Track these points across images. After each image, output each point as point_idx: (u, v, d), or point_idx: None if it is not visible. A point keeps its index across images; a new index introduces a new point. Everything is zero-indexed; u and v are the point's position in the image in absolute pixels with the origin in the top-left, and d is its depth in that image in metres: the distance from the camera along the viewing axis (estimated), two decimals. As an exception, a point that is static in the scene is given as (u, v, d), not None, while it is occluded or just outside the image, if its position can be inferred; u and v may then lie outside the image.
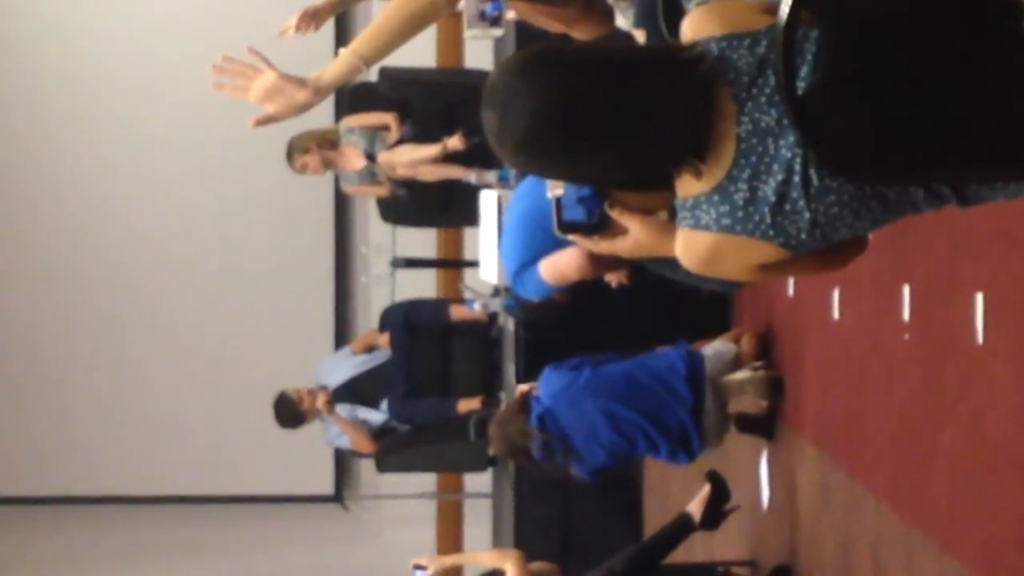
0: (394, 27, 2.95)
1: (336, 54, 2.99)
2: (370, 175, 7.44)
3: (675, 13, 2.80)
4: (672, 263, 2.23)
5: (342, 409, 7.67)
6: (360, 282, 9.21)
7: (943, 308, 4.14)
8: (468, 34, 6.49)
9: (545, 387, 5.25)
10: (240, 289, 9.32)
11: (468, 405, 7.52)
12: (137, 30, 9.21)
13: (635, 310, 5.93)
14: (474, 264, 6.92)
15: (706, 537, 5.67)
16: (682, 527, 5.31)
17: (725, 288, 5.63)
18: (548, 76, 2.08)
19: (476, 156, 6.89)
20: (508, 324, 6.72)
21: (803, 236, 2.10)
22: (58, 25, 9.21)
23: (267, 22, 8.96)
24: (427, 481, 9.17)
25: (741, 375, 5.58)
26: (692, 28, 2.16)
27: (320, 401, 7.57)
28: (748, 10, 2.12)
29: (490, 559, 5.47)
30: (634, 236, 2.31)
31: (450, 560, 5.88)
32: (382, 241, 8.41)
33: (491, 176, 6.56)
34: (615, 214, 2.30)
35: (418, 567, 5.41)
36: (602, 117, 2.06)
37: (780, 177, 2.07)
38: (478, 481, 9.11)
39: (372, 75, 7.27)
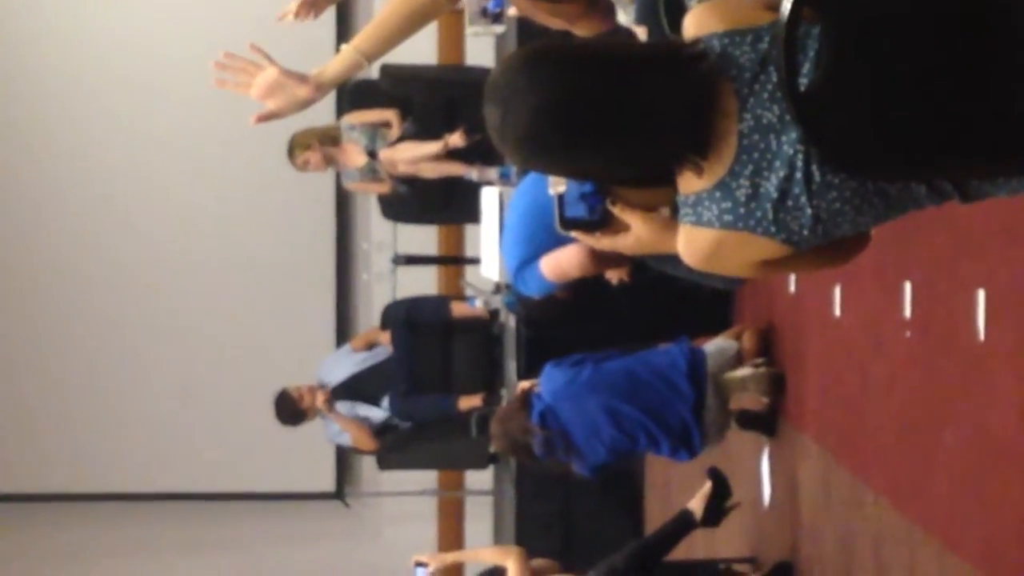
0: (396, 23, 2.94)
1: (337, 50, 2.98)
2: (371, 172, 7.43)
3: (676, 10, 2.80)
4: (674, 260, 2.23)
5: (343, 406, 7.67)
6: (361, 279, 9.21)
7: (944, 305, 4.14)
8: (470, 31, 6.50)
9: (546, 384, 5.25)
10: (241, 286, 9.33)
11: (469, 402, 7.52)
12: (138, 28, 9.21)
13: (636, 307, 5.94)
14: (475, 261, 6.92)
15: (707, 534, 5.67)
16: (683, 524, 5.31)
17: (727, 285, 5.63)
18: (550, 73, 2.08)
19: (477, 153, 6.89)
20: (509, 321, 6.72)
21: (805, 232, 2.10)
22: (59, 24, 9.21)
23: (268, 19, 8.96)
24: (428, 478, 9.17)
25: (742, 372, 5.58)
26: (695, 24, 2.16)
27: (320, 400, 7.57)
28: (750, 6, 2.12)
29: (491, 556, 5.47)
30: (636, 233, 2.31)
31: (451, 557, 5.88)
32: (383, 238, 8.40)
33: (492, 173, 6.56)
34: (617, 211, 2.30)
35: (419, 564, 5.41)
36: (604, 114, 2.06)
37: (782, 173, 2.07)
38: (479, 478, 9.10)
39: (373, 72, 7.27)
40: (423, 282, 8.71)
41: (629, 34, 3.09)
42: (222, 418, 9.23)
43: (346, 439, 7.78)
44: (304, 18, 3.62)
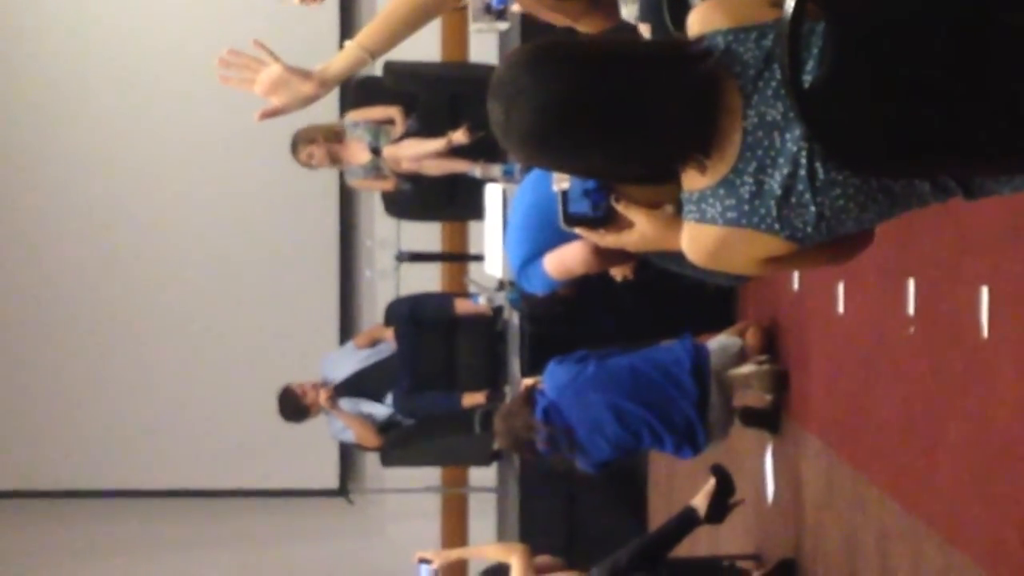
0: (400, 20, 2.94)
1: (341, 47, 2.99)
2: (375, 169, 7.44)
3: (680, 7, 2.80)
4: (677, 257, 2.23)
5: (346, 403, 7.67)
6: (365, 276, 9.21)
7: (948, 302, 4.14)
8: (473, 27, 6.48)
9: (550, 381, 5.25)
10: (245, 283, 9.33)
11: (473, 399, 7.52)
12: (141, 24, 9.22)
13: (640, 304, 5.93)
14: (479, 258, 6.92)
15: (711, 531, 5.67)
16: (687, 521, 5.30)
17: (730, 282, 5.62)
18: (554, 70, 2.08)
19: (481, 150, 6.88)
20: (513, 318, 6.72)
21: (809, 229, 2.10)
22: (61, 20, 9.21)
23: (272, 15, 8.97)
24: (432, 475, 9.18)
25: (746, 369, 5.58)
26: (699, 21, 2.16)
27: (323, 397, 7.58)
28: (755, 3, 2.12)
29: (495, 552, 5.47)
30: (640, 230, 2.31)
31: (455, 554, 5.88)
32: (387, 235, 8.40)
33: (496, 170, 6.55)
34: (621, 207, 2.30)
35: (423, 561, 5.41)
36: (607, 111, 2.06)
37: (786, 170, 2.08)
38: (483, 475, 9.11)
39: (377, 69, 7.27)
40: (427, 279, 8.71)
41: (632, 30, 3.09)
42: (225, 415, 9.24)
43: (350, 436, 7.79)
44: (310, 3, 3.61)
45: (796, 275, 5.50)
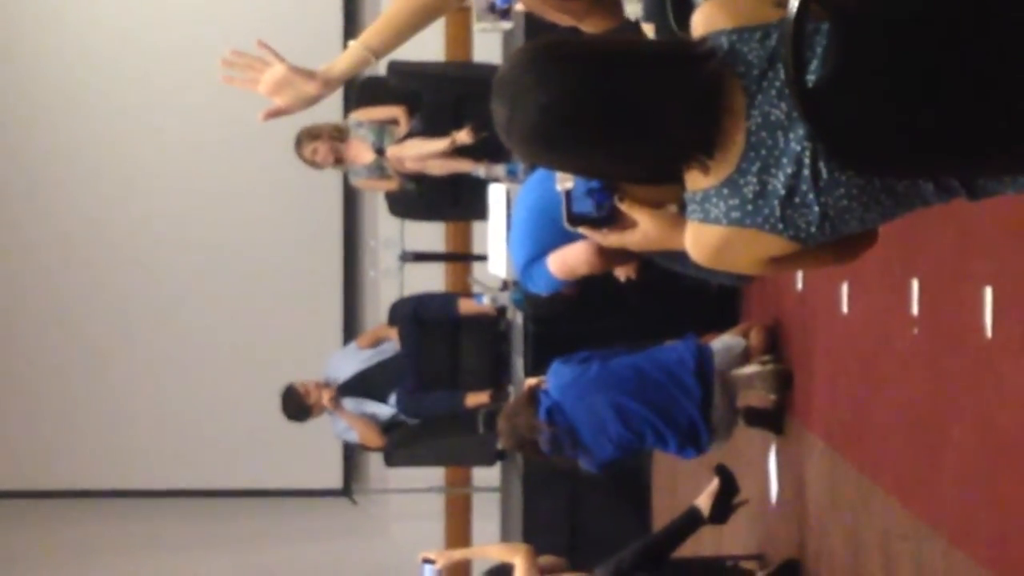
0: (404, 19, 2.94)
1: (345, 46, 2.98)
2: (379, 169, 7.44)
3: (683, 7, 2.80)
4: (681, 257, 2.23)
5: (350, 403, 7.68)
6: (369, 276, 9.21)
7: (952, 302, 4.14)
8: (477, 27, 6.49)
9: (553, 380, 5.25)
10: (249, 283, 9.33)
11: (476, 399, 7.52)
12: (146, 25, 9.22)
13: (643, 304, 5.93)
14: (483, 258, 6.92)
15: (714, 531, 5.67)
16: (691, 521, 5.30)
17: (734, 282, 5.63)
18: (558, 69, 2.08)
19: (485, 150, 6.88)
20: (517, 318, 6.72)
21: (812, 229, 2.10)
22: (65, 21, 9.22)
23: (276, 15, 8.97)
24: (435, 475, 9.18)
25: (750, 369, 5.58)
26: (703, 21, 2.16)
27: (325, 397, 7.59)
28: (759, 3, 2.12)
29: (499, 553, 5.47)
30: (643, 229, 2.31)
31: (459, 554, 5.88)
32: (391, 235, 8.40)
33: (500, 170, 6.56)
34: (624, 207, 2.30)
35: (427, 561, 5.41)
36: (611, 111, 2.06)
37: (790, 170, 2.07)
38: (486, 475, 9.11)
39: (381, 68, 7.27)
40: (430, 279, 8.72)
41: (636, 30, 3.09)
42: (229, 415, 9.24)
43: (353, 436, 7.79)
44: None
45: (800, 275, 5.50)
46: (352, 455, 9.33)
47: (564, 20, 3.25)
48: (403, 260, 8.14)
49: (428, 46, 7.73)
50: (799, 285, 5.58)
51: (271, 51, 2.93)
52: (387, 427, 7.73)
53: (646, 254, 4.59)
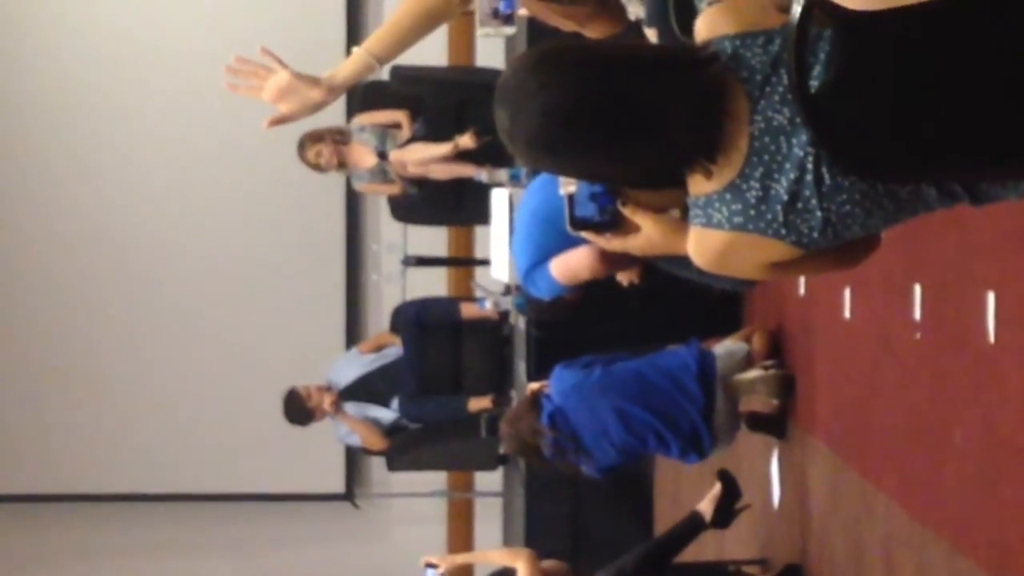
0: (407, 25, 2.95)
1: (349, 53, 2.99)
2: (381, 173, 7.44)
3: (686, 12, 2.80)
4: (684, 261, 2.23)
5: (352, 408, 7.68)
6: (371, 280, 9.21)
7: (954, 307, 4.14)
8: (480, 32, 6.49)
9: (556, 385, 5.25)
10: (251, 287, 9.33)
11: (479, 403, 7.52)
12: (149, 29, 9.23)
13: (646, 309, 5.94)
14: (485, 262, 6.92)
15: (717, 536, 5.68)
16: (693, 526, 5.30)
17: (736, 287, 5.63)
18: (560, 73, 2.08)
19: (487, 154, 6.89)
20: (519, 322, 6.73)
21: (815, 234, 2.10)
22: (70, 25, 9.23)
23: (279, 21, 8.97)
24: (438, 479, 9.17)
25: (752, 374, 5.58)
26: (706, 26, 2.16)
27: (326, 402, 7.59)
28: (763, 8, 2.12)
29: (501, 557, 5.47)
30: (646, 234, 2.31)
31: (461, 558, 5.88)
32: (393, 239, 8.40)
33: (502, 174, 6.56)
34: (627, 211, 2.30)
35: (429, 565, 5.41)
36: (613, 115, 2.06)
37: (793, 176, 2.08)
38: (489, 480, 9.11)
39: (384, 73, 7.26)
40: (433, 283, 8.71)
41: (639, 34, 3.09)
42: (232, 419, 9.24)
43: (356, 439, 7.79)
44: None
45: (802, 280, 5.50)
46: (354, 459, 9.32)
47: (567, 25, 3.26)
48: (405, 264, 8.14)
49: (431, 51, 7.72)
50: (801, 290, 5.58)
51: (275, 58, 2.93)
52: (389, 431, 7.74)
53: (649, 259, 4.59)
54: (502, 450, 5.85)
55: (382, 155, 7.37)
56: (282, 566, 9.50)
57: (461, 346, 7.65)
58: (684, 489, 6.76)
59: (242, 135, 8.45)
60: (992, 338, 3.87)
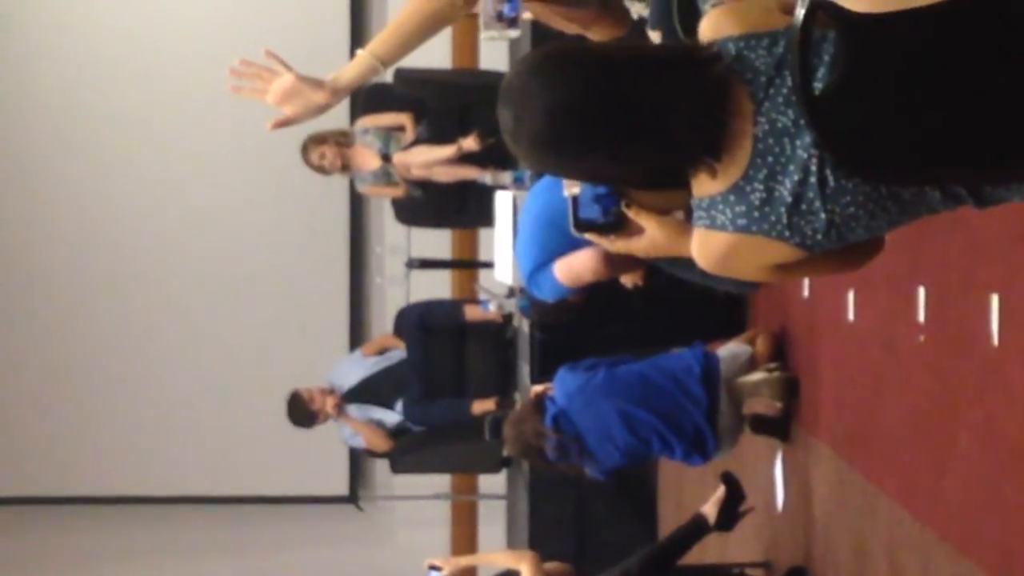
0: (411, 28, 2.95)
1: (352, 55, 2.99)
2: (385, 176, 7.45)
3: (690, 14, 2.81)
4: (687, 263, 2.23)
5: (356, 410, 7.68)
6: (375, 283, 9.21)
7: (958, 309, 4.14)
8: (484, 35, 6.49)
9: (560, 387, 5.25)
10: (255, 289, 9.34)
11: (483, 406, 7.53)
12: (153, 31, 9.23)
13: (650, 311, 5.93)
14: (489, 265, 6.92)
15: (720, 538, 5.67)
16: (697, 528, 5.30)
17: (740, 289, 5.63)
18: (564, 75, 2.08)
19: (491, 157, 6.89)
20: (523, 325, 6.72)
21: (819, 236, 2.10)
22: (74, 27, 9.23)
23: (284, 24, 8.97)
24: (442, 482, 9.17)
25: (756, 376, 5.57)
26: (710, 28, 2.16)
27: (329, 405, 7.60)
28: (767, 10, 2.12)
29: (505, 560, 5.46)
30: (650, 235, 2.31)
31: (465, 561, 5.88)
32: (397, 242, 8.41)
33: (506, 177, 6.56)
34: (631, 213, 2.30)
35: (433, 568, 5.41)
36: (617, 116, 2.06)
37: (796, 177, 2.08)
38: (493, 482, 9.11)
39: (387, 76, 7.28)
40: (437, 286, 8.71)
41: (643, 38, 3.09)
42: (235, 422, 9.24)
43: (360, 441, 7.80)
44: None
45: (806, 282, 5.50)
46: (358, 462, 9.32)
47: (571, 28, 3.26)
48: (409, 267, 8.14)
49: (434, 53, 7.73)
50: (805, 292, 5.58)
51: (279, 60, 2.94)
52: (393, 434, 7.74)
53: (652, 261, 4.59)
54: (506, 452, 5.85)
55: (386, 158, 7.37)
56: (286, 569, 9.50)
57: (465, 349, 7.65)
58: (688, 492, 6.75)
59: (245, 137, 8.45)
60: (996, 341, 3.87)
